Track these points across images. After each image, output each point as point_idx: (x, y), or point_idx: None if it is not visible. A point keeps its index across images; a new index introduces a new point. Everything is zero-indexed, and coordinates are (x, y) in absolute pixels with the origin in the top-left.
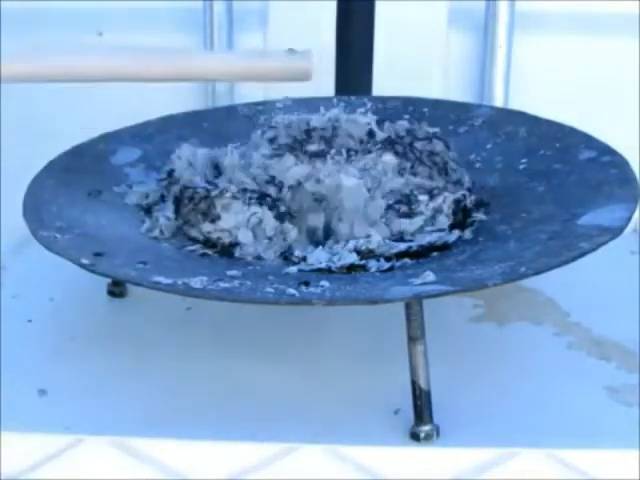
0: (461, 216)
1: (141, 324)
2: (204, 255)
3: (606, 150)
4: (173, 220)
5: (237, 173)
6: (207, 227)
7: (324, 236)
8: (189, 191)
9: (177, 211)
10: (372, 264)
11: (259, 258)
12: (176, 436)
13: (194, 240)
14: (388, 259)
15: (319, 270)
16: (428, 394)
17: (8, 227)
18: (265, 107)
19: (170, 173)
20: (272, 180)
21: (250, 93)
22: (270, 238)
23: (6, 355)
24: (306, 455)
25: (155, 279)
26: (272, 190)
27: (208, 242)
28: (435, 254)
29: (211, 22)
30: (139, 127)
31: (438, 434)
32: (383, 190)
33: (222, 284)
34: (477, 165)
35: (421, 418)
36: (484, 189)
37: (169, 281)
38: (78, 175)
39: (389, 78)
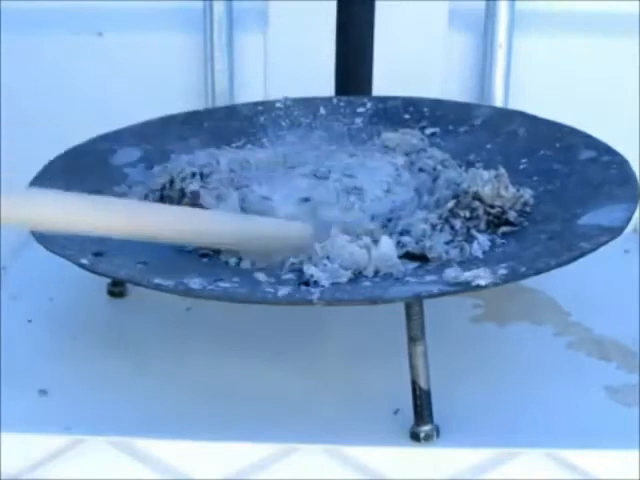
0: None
1: (141, 324)
2: (204, 255)
3: (606, 150)
4: None
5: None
6: None
7: None
8: (185, 190)
9: None
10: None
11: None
12: (176, 436)
13: None
14: None
15: None
16: (428, 394)
17: (8, 227)
18: (265, 107)
19: (169, 174)
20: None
21: (250, 93)
22: None
23: (6, 355)
24: (306, 455)
25: (155, 279)
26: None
27: None
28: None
29: (211, 22)
30: (139, 127)
31: (438, 434)
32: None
33: (222, 284)
34: (477, 165)
35: (421, 418)
36: None
37: (169, 281)
38: (78, 175)
39: (389, 78)
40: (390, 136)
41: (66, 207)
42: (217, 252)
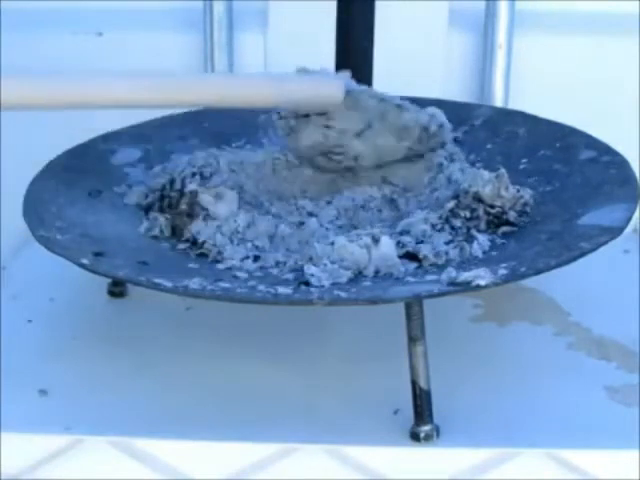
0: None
1: (141, 324)
2: (203, 255)
3: (606, 150)
4: (172, 220)
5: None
6: (202, 230)
7: None
8: (183, 190)
9: (174, 212)
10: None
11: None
12: (176, 436)
13: (193, 240)
14: None
15: None
16: (428, 394)
17: (8, 227)
18: None
19: (169, 174)
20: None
21: None
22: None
23: (6, 355)
24: (306, 455)
25: (155, 279)
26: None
27: (206, 242)
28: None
29: (211, 22)
30: (139, 127)
31: (438, 434)
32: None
33: (221, 284)
34: (477, 165)
35: (421, 418)
36: None
37: (169, 281)
38: (78, 175)
39: (389, 78)
40: None
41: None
42: (219, 253)
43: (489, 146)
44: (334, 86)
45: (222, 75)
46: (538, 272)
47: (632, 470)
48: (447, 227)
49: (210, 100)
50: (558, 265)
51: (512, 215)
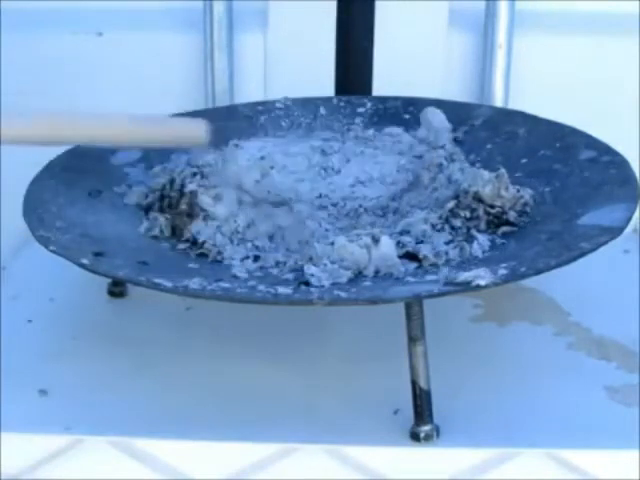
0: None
1: (141, 324)
2: (203, 255)
3: (606, 150)
4: (172, 220)
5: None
6: (202, 230)
7: None
8: (183, 190)
9: (174, 212)
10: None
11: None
12: (176, 436)
13: (193, 240)
14: None
15: None
16: (428, 394)
17: (8, 227)
18: (265, 107)
19: (169, 174)
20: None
21: (250, 93)
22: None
23: (6, 355)
24: (306, 455)
25: (155, 279)
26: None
27: (206, 242)
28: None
29: (211, 22)
30: None
31: (438, 434)
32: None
33: (222, 284)
34: (477, 165)
35: (421, 418)
36: None
37: (169, 281)
38: (78, 175)
39: (389, 78)
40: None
41: None
42: (219, 253)
43: (489, 146)
44: (198, 126)
45: (87, 115)
46: (538, 272)
47: (632, 470)
48: (447, 227)
49: (76, 138)
50: (558, 265)
51: (512, 215)
